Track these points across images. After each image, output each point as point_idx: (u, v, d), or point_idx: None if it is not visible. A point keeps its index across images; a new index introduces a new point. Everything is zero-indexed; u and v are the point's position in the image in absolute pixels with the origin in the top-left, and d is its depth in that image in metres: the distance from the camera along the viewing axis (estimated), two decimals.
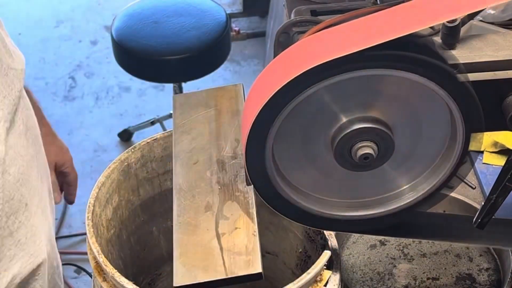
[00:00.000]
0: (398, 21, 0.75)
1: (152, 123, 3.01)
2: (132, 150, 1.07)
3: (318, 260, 0.89)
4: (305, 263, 1.05)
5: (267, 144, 0.78)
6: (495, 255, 1.09)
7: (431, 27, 0.78)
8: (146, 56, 2.42)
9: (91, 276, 0.97)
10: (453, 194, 1.07)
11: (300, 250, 1.06)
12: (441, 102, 0.77)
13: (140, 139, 1.99)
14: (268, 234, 1.11)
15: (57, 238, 1.32)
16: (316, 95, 0.76)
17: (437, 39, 0.78)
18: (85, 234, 0.97)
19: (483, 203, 0.84)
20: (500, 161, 1.26)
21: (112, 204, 1.05)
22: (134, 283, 0.86)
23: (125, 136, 3.04)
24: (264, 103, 0.75)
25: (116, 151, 2.94)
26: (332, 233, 0.97)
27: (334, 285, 0.90)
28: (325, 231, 0.96)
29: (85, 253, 0.98)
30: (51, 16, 3.51)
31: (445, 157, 0.82)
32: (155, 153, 1.09)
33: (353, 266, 1.09)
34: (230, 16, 2.68)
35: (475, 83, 0.75)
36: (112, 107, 3.22)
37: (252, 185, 0.84)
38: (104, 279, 0.91)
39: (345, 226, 0.89)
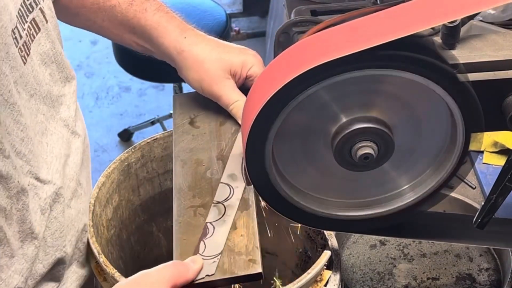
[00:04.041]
0: (399, 22, 0.75)
1: (152, 123, 3.02)
2: (132, 150, 1.07)
3: (318, 260, 0.89)
4: (305, 263, 1.05)
5: (267, 144, 0.78)
6: (495, 255, 1.09)
7: (431, 27, 0.78)
8: (146, 56, 2.42)
9: None
10: (453, 194, 1.07)
11: (300, 250, 1.06)
12: (441, 102, 0.77)
13: (140, 139, 1.99)
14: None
15: None
16: (316, 95, 0.76)
17: (437, 39, 0.78)
18: None
19: (483, 203, 0.84)
20: (500, 161, 1.26)
21: (112, 204, 1.05)
22: None
23: (125, 136, 3.04)
24: (264, 103, 0.75)
25: (116, 151, 2.94)
26: (332, 233, 0.97)
27: (334, 285, 0.90)
28: (325, 231, 0.96)
29: None
30: None
31: (445, 157, 0.82)
32: (155, 153, 1.09)
33: (353, 266, 1.09)
34: (230, 16, 2.68)
35: (475, 83, 0.75)
36: (112, 107, 3.22)
37: (252, 185, 0.84)
38: (105, 279, 0.91)
39: (345, 226, 0.89)
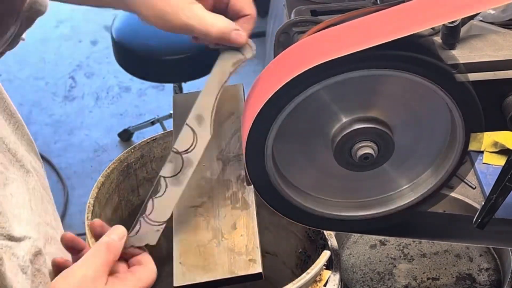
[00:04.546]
0: (399, 22, 0.75)
1: (152, 123, 3.02)
2: (132, 150, 1.07)
3: (318, 260, 0.89)
4: (305, 263, 1.05)
5: (267, 144, 0.78)
6: (495, 255, 1.09)
7: (431, 27, 0.78)
8: (146, 56, 2.43)
9: None
10: (453, 194, 1.07)
11: (300, 250, 1.06)
12: (441, 102, 0.77)
13: (140, 139, 1.99)
14: (268, 234, 1.10)
15: None
16: (316, 95, 0.76)
17: (437, 39, 0.78)
18: (85, 234, 0.97)
19: (483, 203, 0.84)
20: (500, 161, 1.26)
21: (111, 204, 1.05)
22: None
23: (125, 136, 3.04)
24: (264, 103, 0.75)
25: (116, 151, 2.94)
26: (332, 233, 0.97)
27: (334, 285, 0.90)
28: (325, 231, 0.96)
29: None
30: (51, 16, 3.52)
31: (445, 157, 0.82)
32: (155, 153, 1.09)
33: (353, 266, 1.09)
34: None
35: (475, 83, 0.75)
36: (112, 107, 3.22)
37: (252, 185, 0.84)
38: None
39: (345, 226, 0.89)
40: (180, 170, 0.79)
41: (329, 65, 0.72)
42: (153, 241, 0.77)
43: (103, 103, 3.25)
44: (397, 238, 1.12)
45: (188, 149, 0.79)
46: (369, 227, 0.89)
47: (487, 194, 0.83)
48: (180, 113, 1.05)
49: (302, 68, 0.72)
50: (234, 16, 0.86)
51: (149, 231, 0.77)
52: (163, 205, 0.78)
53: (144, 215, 0.78)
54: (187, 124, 0.80)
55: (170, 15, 0.83)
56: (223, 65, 0.83)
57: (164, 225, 0.78)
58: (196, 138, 0.79)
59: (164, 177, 0.79)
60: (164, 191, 0.78)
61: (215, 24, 0.83)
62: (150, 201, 0.79)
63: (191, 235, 0.87)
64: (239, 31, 0.84)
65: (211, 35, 0.83)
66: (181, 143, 0.80)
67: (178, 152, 0.79)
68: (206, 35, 0.83)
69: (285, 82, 0.73)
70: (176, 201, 0.79)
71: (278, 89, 0.73)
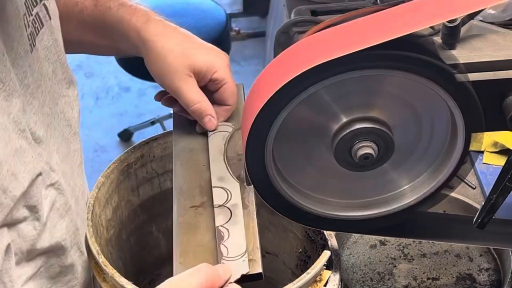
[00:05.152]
0: (398, 21, 0.75)
1: (152, 123, 3.02)
2: (132, 150, 1.07)
3: (318, 260, 0.89)
4: (305, 263, 1.05)
5: (267, 144, 0.78)
6: (495, 255, 1.09)
7: (431, 27, 0.78)
8: None
9: None
10: (453, 194, 1.07)
11: (300, 250, 1.06)
12: (441, 102, 0.77)
13: (140, 139, 1.99)
14: (268, 234, 1.10)
15: None
16: (316, 95, 0.76)
17: (437, 39, 0.78)
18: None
19: (483, 203, 0.84)
20: (500, 161, 1.26)
21: (111, 204, 1.05)
22: (134, 284, 0.85)
23: (125, 136, 3.05)
24: (264, 103, 0.75)
25: (116, 151, 2.94)
26: (332, 233, 0.96)
27: (334, 285, 0.90)
28: (325, 231, 0.96)
29: None
30: None
31: (446, 157, 0.82)
32: (154, 153, 1.09)
33: (353, 266, 1.09)
34: (230, 16, 2.68)
35: (475, 83, 0.75)
36: (112, 107, 3.22)
37: (252, 185, 0.84)
38: (104, 279, 0.91)
39: (345, 226, 0.89)
40: (231, 216, 0.87)
41: (329, 65, 0.72)
42: (245, 269, 0.81)
43: (103, 103, 3.25)
44: (397, 238, 1.12)
45: (227, 199, 0.89)
46: (369, 227, 0.89)
47: (487, 194, 0.83)
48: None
49: (302, 68, 0.72)
50: (218, 101, 0.99)
51: (237, 264, 0.82)
52: (234, 244, 0.84)
53: (222, 258, 0.83)
54: (214, 186, 0.91)
55: (166, 77, 0.98)
56: (216, 142, 0.97)
57: (246, 253, 0.83)
58: (228, 191, 0.90)
59: (222, 225, 0.86)
60: (229, 234, 0.85)
61: (195, 103, 0.96)
62: (222, 246, 0.84)
63: (191, 235, 0.87)
64: (211, 118, 0.96)
65: (188, 109, 0.96)
66: (219, 199, 0.90)
67: (220, 206, 0.89)
68: (186, 108, 0.97)
69: (285, 82, 0.73)
70: (244, 236, 0.85)
71: (278, 89, 0.73)
